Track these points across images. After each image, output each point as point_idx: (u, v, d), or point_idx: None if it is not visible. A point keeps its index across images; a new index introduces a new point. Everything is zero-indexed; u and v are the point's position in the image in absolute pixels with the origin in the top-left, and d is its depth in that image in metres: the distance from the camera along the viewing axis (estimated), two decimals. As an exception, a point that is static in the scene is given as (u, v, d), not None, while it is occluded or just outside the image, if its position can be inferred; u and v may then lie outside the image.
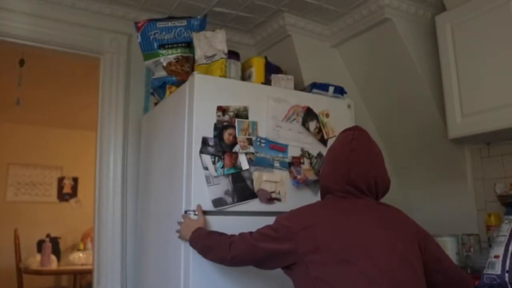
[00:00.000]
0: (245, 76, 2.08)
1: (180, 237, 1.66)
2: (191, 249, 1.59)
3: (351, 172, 1.35)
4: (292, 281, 1.34)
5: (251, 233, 1.40)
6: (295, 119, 1.89)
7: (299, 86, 2.35)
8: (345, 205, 1.35)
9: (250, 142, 1.77)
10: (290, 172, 1.83)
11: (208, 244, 1.50)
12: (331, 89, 2.06)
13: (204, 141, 1.69)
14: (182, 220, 1.65)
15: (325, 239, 1.26)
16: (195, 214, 1.63)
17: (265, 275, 1.71)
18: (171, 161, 1.85)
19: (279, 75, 2.13)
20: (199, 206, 1.65)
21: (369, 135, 1.44)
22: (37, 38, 2.21)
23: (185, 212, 1.67)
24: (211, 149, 1.70)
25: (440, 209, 2.36)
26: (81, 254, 4.36)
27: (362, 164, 1.36)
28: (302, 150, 1.88)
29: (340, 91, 2.08)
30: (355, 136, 1.39)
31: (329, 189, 1.40)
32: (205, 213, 1.65)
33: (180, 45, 2.10)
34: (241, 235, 1.42)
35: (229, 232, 1.66)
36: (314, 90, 2.04)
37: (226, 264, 1.47)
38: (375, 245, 1.26)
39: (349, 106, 2.06)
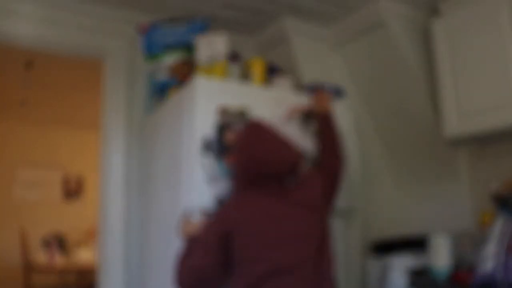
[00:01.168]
0: (245, 78, 2.10)
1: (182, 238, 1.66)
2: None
3: (262, 167, 1.51)
4: None
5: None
6: (295, 119, 1.92)
7: (298, 87, 2.39)
8: (266, 205, 1.51)
9: (249, 142, 1.79)
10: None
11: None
12: (328, 88, 2.08)
13: (205, 142, 1.71)
14: (183, 220, 1.65)
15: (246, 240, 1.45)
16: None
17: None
18: (173, 161, 1.87)
19: (279, 77, 2.16)
20: (202, 210, 1.66)
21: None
22: (41, 41, 2.24)
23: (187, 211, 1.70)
24: (212, 150, 1.72)
25: (436, 208, 2.38)
26: (86, 252, 4.40)
27: (272, 161, 1.53)
28: (302, 150, 1.90)
29: (337, 92, 2.09)
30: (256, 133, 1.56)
31: (243, 180, 1.55)
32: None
33: (181, 47, 2.11)
34: (179, 261, 1.46)
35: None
36: (311, 90, 2.06)
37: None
38: None
39: (348, 107, 2.08)
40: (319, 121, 1.84)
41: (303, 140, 1.91)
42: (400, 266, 2.03)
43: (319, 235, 1.48)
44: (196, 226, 1.58)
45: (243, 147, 1.51)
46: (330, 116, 1.83)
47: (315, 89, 2.05)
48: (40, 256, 4.30)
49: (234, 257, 1.40)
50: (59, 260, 4.29)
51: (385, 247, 2.18)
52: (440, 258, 1.93)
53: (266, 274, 1.36)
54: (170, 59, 2.10)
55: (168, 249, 1.86)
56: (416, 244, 2.12)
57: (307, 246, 1.44)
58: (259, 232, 1.41)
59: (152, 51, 2.12)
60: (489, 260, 1.71)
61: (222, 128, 1.75)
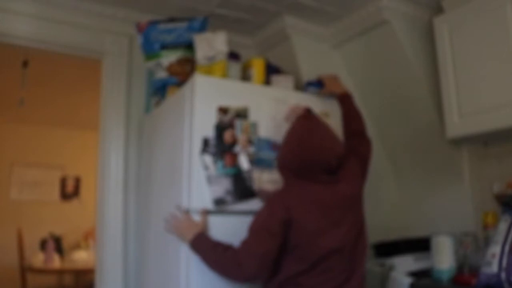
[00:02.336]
0: (245, 77, 2.09)
1: (173, 233, 1.68)
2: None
3: (316, 159, 1.57)
4: None
5: (244, 242, 1.49)
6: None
7: (299, 87, 2.37)
8: (318, 195, 1.56)
9: (250, 142, 1.78)
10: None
11: (215, 259, 1.53)
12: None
13: (205, 141, 1.71)
14: (178, 216, 1.67)
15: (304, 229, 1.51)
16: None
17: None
18: (172, 161, 1.86)
19: (279, 76, 2.15)
20: (203, 210, 1.66)
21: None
22: (40, 40, 2.22)
23: (186, 211, 1.68)
24: (211, 149, 1.71)
25: (438, 209, 2.37)
26: (83, 253, 4.38)
27: (326, 153, 1.60)
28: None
29: (313, 84, 2.09)
30: (315, 125, 1.62)
31: (295, 172, 1.59)
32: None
33: (181, 46, 2.10)
34: (240, 249, 1.48)
35: (230, 232, 1.68)
36: (310, 88, 2.07)
37: (237, 282, 1.58)
38: None
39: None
40: (342, 103, 1.91)
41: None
42: (402, 267, 2.01)
43: (360, 222, 1.62)
44: (197, 226, 1.58)
45: (300, 137, 1.55)
46: (351, 95, 1.91)
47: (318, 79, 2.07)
48: (38, 257, 4.28)
49: (288, 243, 1.47)
50: (56, 261, 4.27)
51: (387, 249, 2.16)
52: (443, 259, 1.91)
53: (318, 260, 1.46)
54: (170, 58, 2.09)
55: (166, 250, 1.85)
56: (418, 245, 2.10)
57: (351, 233, 1.55)
58: (313, 219, 1.48)
59: (151, 50, 2.11)
60: (493, 261, 1.70)
61: (222, 128, 1.74)
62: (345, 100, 1.92)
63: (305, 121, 1.60)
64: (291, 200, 1.50)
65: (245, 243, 1.48)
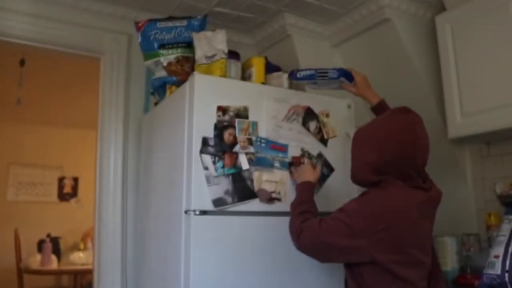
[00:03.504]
0: (245, 76, 2.08)
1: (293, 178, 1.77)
2: (190, 249, 1.60)
3: (418, 159, 1.37)
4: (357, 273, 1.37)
5: (320, 221, 1.39)
6: (295, 119, 1.89)
7: (299, 86, 2.35)
8: (418, 200, 1.35)
9: (250, 142, 1.77)
10: (290, 172, 1.83)
11: (292, 213, 1.53)
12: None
13: (204, 141, 1.69)
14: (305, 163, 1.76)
15: (404, 240, 1.30)
16: (195, 214, 1.62)
17: (267, 275, 1.71)
18: (171, 161, 1.84)
19: (273, 74, 2.13)
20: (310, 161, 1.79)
21: None
22: (37, 38, 2.20)
23: (185, 212, 1.66)
24: (211, 149, 1.69)
25: (440, 209, 2.34)
26: (81, 254, 4.36)
27: (426, 151, 1.41)
28: (302, 150, 1.88)
29: (344, 74, 1.83)
30: (418, 121, 1.42)
31: (392, 173, 1.35)
32: (205, 213, 1.65)
33: (180, 45, 2.09)
34: (310, 224, 1.41)
35: (230, 233, 1.67)
36: (333, 78, 1.84)
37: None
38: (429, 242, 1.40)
39: (349, 106, 2.06)
40: (380, 111, 1.69)
41: (303, 139, 1.89)
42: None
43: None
44: (310, 175, 1.63)
45: (401, 135, 1.37)
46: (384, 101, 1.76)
47: (339, 73, 1.83)
48: (35, 258, 4.25)
49: (379, 255, 1.29)
50: (54, 262, 4.24)
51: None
52: (446, 260, 1.90)
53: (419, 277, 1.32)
54: (169, 57, 2.09)
55: (165, 251, 1.84)
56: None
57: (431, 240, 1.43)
58: (411, 226, 1.32)
59: (150, 49, 2.10)
60: (496, 262, 1.68)
61: (222, 128, 1.73)
62: (385, 107, 1.72)
63: (402, 117, 1.41)
64: (392, 204, 1.32)
65: (322, 222, 1.38)
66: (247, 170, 1.74)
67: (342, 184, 1.92)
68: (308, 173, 1.66)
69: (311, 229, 1.40)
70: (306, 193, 1.59)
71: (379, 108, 1.74)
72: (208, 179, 1.67)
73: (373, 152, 1.38)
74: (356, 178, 1.46)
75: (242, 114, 1.78)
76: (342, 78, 1.82)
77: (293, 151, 1.86)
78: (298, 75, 1.84)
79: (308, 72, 1.84)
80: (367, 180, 1.40)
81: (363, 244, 1.28)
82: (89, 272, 3.53)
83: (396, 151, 1.35)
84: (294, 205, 1.56)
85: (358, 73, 1.84)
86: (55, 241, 4.44)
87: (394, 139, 1.37)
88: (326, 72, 1.82)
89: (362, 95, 1.83)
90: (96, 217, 2.26)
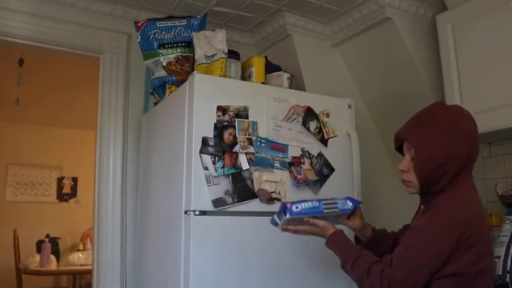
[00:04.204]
0: (245, 76, 2.08)
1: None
2: (190, 249, 1.59)
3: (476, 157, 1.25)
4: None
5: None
6: (295, 119, 1.88)
7: (300, 86, 2.35)
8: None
9: (250, 142, 1.76)
10: (290, 172, 1.82)
11: (350, 268, 1.24)
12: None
13: (204, 141, 1.68)
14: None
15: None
16: (195, 215, 1.62)
17: (267, 275, 1.70)
18: (171, 161, 1.84)
19: (273, 73, 2.13)
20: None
21: None
22: (36, 38, 2.20)
23: (185, 212, 1.65)
24: (211, 149, 1.69)
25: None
26: (80, 255, 4.35)
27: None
28: (302, 150, 1.87)
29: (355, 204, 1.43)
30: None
31: (469, 169, 1.23)
32: (205, 213, 1.64)
33: (180, 44, 2.09)
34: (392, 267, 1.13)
35: (230, 233, 1.66)
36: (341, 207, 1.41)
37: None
38: None
39: (349, 106, 2.05)
40: (378, 238, 1.46)
41: (303, 139, 1.88)
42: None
43: None
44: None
45: (473, 130, 1.24)
46: None
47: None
48: (34, 259, 4.24)
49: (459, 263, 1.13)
50: (53, 262, 4.23)
51: (389, 250, 2.13)
52: (446, 261, 1.88)
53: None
54: (168, 57, 2.08)
55: (165, 251, 1.83)
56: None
57: None
58: (486, 235, 1.17)
59: (150, 48, 2.10)
60: (497, 263, 1.68)
61: (221, 128, 1.72)
62: (382, 231, 1.50)
63: (463, 110, 1.29)
64: (471, 211, 1.17)
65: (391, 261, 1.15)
66: (247, 170, 1.73)
67: (342, 184, 1.92)
68: (325, 228, 1.33)
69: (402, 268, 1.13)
70: (341, 243, 1.30)
71: (377, 235, 1.46)
72: (208, 179, 1.66)
73: (464, 144, 1.20)
74: (431, 177, 1.21)
75: (242, 114, 1.77)
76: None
77: (293, 151, 1.85)
78: (293, 209, 1.31)
79: (308, 205, 1.33)
80: (447, 179, 1.19)
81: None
82: (88, 272, 3.52)
83: (477, 142, 1.24)
84: (343, 260, 1.26)
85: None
86: (54, 241, 4.43)
87: (476, 129, 1.24)
88: (335, 203, 1.37)
89: (364, 226, 1.46)
90: (95, 218, 2.25)
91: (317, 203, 1.33)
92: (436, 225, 1.13)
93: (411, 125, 1.31)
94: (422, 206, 1.31)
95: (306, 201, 1.33)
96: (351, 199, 1.41)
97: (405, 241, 1.18)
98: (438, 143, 1.20)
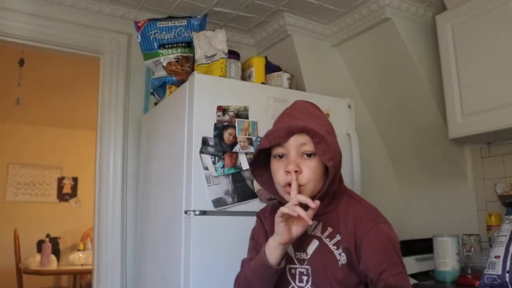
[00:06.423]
0: (245, 76, 2.08)
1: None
2: (190, 249, 1.59)
3: None
4: None
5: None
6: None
7: (300, 86, 2.35)
8: None
9: (250, 142, 1.76)
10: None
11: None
12: None
13: (204, 141, 1.68)
14: None
15: None
16: (195, 214, 1.62)
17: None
18: (171, 161, 1.84)
19: (273, 73, 2.13)
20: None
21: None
22: (36, 38, 2.20)
23: (185, 212, 1.66)
24: (211, 149, 1.69)
25: (441, 209, 2.35)
26: (81, 254, 4.35)
27: None
28: (302, 150, 1.87)
29: None
30: None
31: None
32: (205, 213, 1.64)
33: (180, 44, 2.10)
34: None
35: (230, 233, 1.66)
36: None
37: None
38: None
39: (349, 106, 2.06)
40: None
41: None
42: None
43: None
44: None
45: None
46: None
47: None
48: (34, 259, 4.24)
49: None
50: (53, 262, 4.23)
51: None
52: (446, 260, 1.89)
53: None
54: (168, 57, 2.08)
55: (165, 251, 1.83)
56: (420, 246, 2.08)
57: None
58: None
59: (150, 49, 2.10)
60: (497, 263, 1.68)
61: (222, 128, 1.72)
62: None
63: None
64: None
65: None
66: (247, 170, 1.73)
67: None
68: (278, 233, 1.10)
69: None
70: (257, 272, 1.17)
71: None
72: (208, 179, 1.67)
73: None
74: None
75: (242, 114, 1.77)
76: None
77: (293, 151, 1.85)
78: None
79: None
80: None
81: None
82: (89, 272, 3.53)
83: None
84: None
85: None
86: (54, 241, 4.43)
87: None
88: None
89: None
90: (95, 217, 2.26)
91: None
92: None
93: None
94: None
95: None
96: None
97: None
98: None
